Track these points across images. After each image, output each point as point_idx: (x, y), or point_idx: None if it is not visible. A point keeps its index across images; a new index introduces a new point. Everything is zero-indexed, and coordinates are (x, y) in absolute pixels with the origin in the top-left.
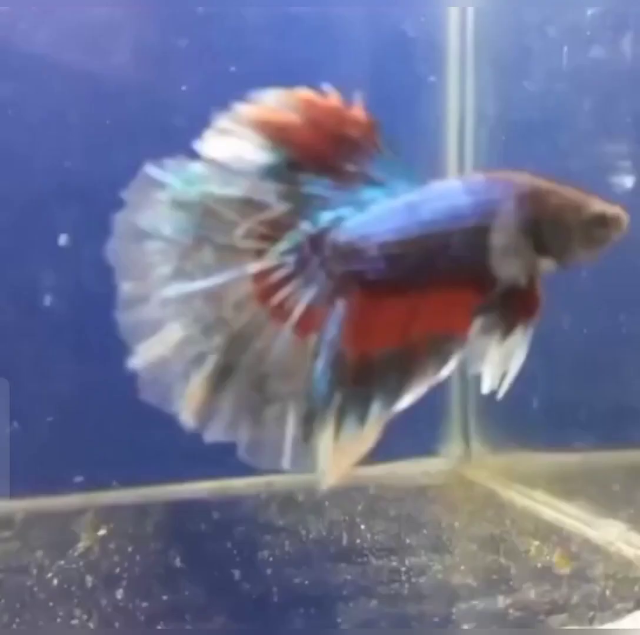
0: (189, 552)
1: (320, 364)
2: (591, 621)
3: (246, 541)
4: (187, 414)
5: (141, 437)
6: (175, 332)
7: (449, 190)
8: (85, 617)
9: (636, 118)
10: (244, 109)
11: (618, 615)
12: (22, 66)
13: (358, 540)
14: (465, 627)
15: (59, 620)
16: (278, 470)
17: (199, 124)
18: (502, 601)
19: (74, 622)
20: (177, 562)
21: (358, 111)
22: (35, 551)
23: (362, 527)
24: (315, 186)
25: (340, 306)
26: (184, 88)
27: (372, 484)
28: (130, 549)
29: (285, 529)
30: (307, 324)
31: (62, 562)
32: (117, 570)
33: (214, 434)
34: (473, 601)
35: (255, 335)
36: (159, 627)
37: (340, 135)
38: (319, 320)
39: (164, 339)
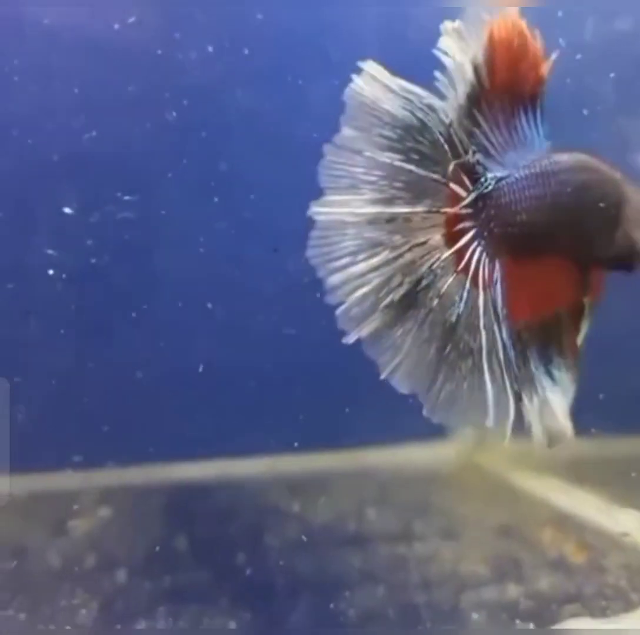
0: (192, 535)
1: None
2: (604, 611)
3: (251, 525)
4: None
5: (144, 417)
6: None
7: (578, 162)
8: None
9: None
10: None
11: (631, 605)
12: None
13: (365, 527)
14: (475, 616)
15: (61, 600)
16: (478, 427)
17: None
18: (513, 590)
19: (75, 602)
20: (180, 544)
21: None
22: (36, 530)
23: (370, 512)
24: (493, 136)
25: (498, 268)
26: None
27: (382, 469)
28: (131, 530)
29: (292, 514)
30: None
31: (62, 542)
32: (119, 551)
33: (390, 375)
34: (483, 590)
35: (439, 282)
36: (160, 609)
37: (528, 89)
38: (488, 278)
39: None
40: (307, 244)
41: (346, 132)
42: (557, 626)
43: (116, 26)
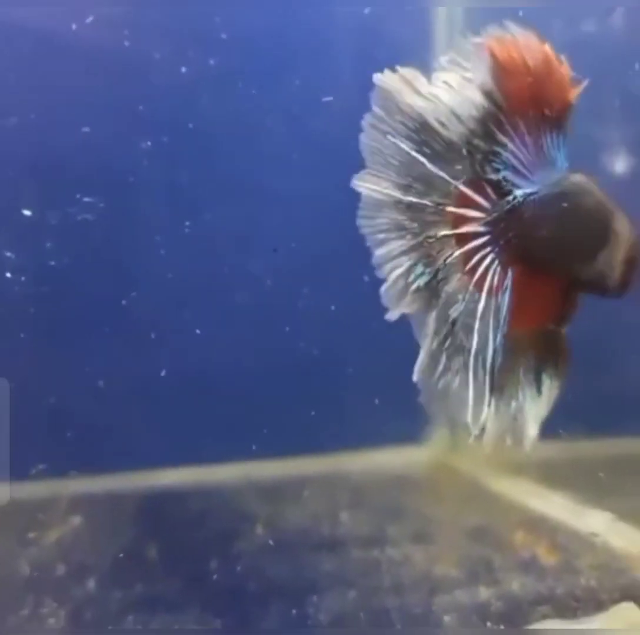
0: (164, 542)
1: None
2: (575, 613)
3: (223, 531)
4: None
5: (114, 424)
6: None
7: (581, 187)
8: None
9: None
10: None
11: (603, 606)
12: None
13: (338, 531)
14: (447, 618)
15: (28, 609)
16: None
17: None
18: (484, 592)
19: (44, 611)
20: (151, 551)
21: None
22: (5, 539)
23: (343, 517)
24: (521, 154)
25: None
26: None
27: (354, 473)
28: (103, 538)
29: (265, 519)
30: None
31: (33, 551)
32: (90, 559)
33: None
34: (455, 592)
35: (450, 278)
36: (130, 618)
37: (554, 111)
38: (497, 285)
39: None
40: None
41: (375, 110)
42: (528, 628)
43: (74, 26)
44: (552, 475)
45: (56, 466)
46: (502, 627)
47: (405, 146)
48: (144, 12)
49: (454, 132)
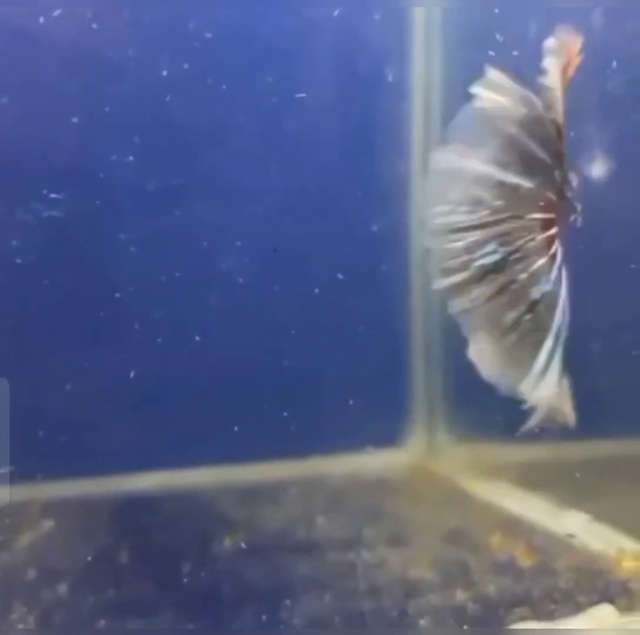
0: (137, 546)
1: None
2: (552, 614)
3: (198, 534)
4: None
5: (89, 427)
6: None
7: None
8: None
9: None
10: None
11: (580, 608)
12: None
13: (315, 534)
14: (422, 621)
15: None
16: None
17: None
18: (460, 595)
19: (13, 616)
20: (124, 556)
21: None
22: None
23: (320, 520)
24: None
25: None
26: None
27: (332, 477)
28: (75, 542)
29: (240, 523)
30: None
31: (5, 555)
32: (62, 564)
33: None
34: (430, 595)
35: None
36: (102, 622)
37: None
38: None
39: None
40: None
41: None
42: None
43: (41, 19)
44: (529, 477)
45: (27, 469)
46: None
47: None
48: (116, 8)
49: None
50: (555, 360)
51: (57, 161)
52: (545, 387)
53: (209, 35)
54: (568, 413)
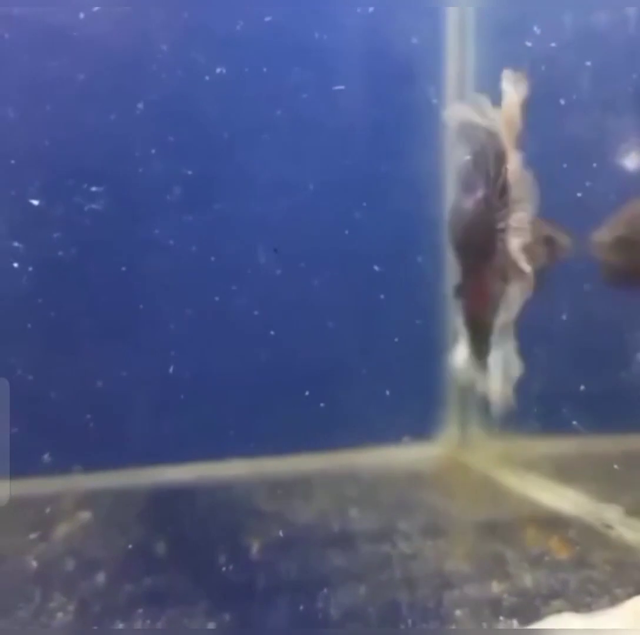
0: (173, 537)
1: None
2: (589, 607)
3: (232, 526)
4: None
5: (125, 419)
6: None
7: None
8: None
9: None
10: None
11: (616, 600)
12: None
13: (349, 526)
14: (458, 613)
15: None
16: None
17: None
18: (496, 587)
19: (52, 605)
20: (160, 546)
21: None
22: (16, 534)
23: (353, 512)
24: None
25: None
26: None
27: (365, 470)
28: (112, 533)
29: (274, 515)
30: None
31: (41, 546)
32: (99, 554)
33: None
34: (466, 587)
35: None
36: (140, 611)
37: None
38: None
39: None
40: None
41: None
42: (541, 622)
43: (81, 15)
44: (564, 471)
45: (64, 461)
46: (514, 621)
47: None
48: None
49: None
50: (501, 351)
51: (97, 155)
52: (491, 374)
53: (243, 30)
54: (506, 396)
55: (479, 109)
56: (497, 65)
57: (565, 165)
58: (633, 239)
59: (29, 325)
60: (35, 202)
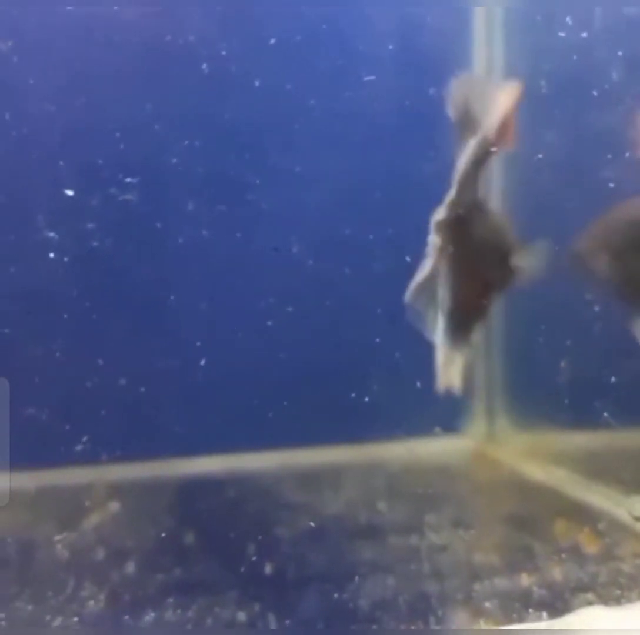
0: (202, 527)
1: None
2: (619, 600)
3: (261, 517)
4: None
5: (153, 410)
6: None
7: None
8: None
9: None
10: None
11: None
12: None
13: (377, 518)
14: (487, 605)
15: (68, 592)
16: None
17: None
18: (525, 580)
19: (84, 594)
20: (190, 536)
21: None
22: (46, 524)
23: (382, 504)
24: None
25: None
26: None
27: (392, 462)
28: (141, 524)
29: (302, 506)
30: None
31: (71, 536)
32: (128, 544)
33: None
34: (495, 579)
35: None
36: (169, 600)
37: None
38: None
39: None
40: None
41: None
42: (570, 615)
43: (116, 7)
44: (591, 464)
45: (93, 452)
46: (544, 614)
47: None
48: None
49: None
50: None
51: (131, 146)
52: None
53: (275, 27)
54: (454, 381)
55: (481, 90)
56: (526, 56)
57: (596, 156)
58: (615, 247)
59: (66, 316)
60: (70, 193)
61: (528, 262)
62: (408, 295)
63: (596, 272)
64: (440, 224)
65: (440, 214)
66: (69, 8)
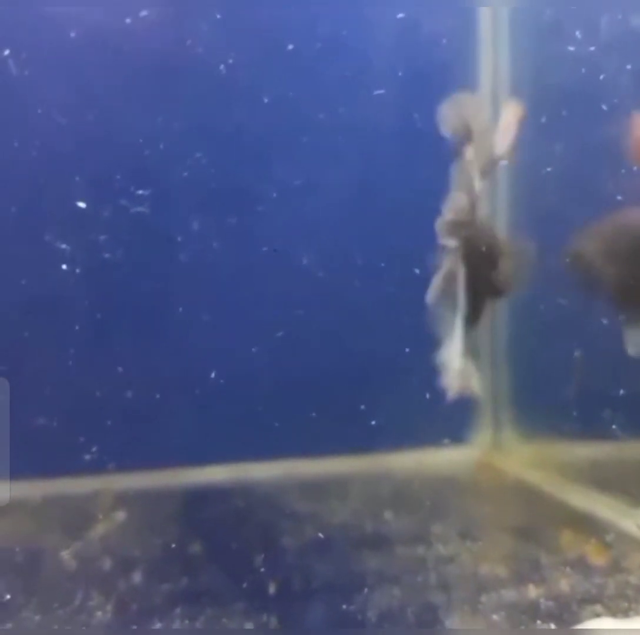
0: (209, 537)
1: None
2: (626, 612)
3: (267, 527)
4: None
5: (160, 420)
6: None
7: None
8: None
9: None
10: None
11: None
12: None
13: (383, 528)
14: (495, 617)
15: (76, 602)
16: None
17: None
18: (533, 591)
19: (91, 603)
20: (196, 546)
21: None
22: (53, 533)
23: (388, 515)
24: None
25: None
26: None
27: (399, 472)
28: (147, 533)
29: (308, 516)
30: None
31: (78, 545)
32: (135, 553)
33: None
34: (503, 591)
35: None
36: (177, 610)
37: None
38: None
39: None
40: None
41: None
42: (579, 626)
43: (128, 20)
44: (599, 476)
45: (100, 462)
46: (552, 625)
47: None
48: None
49: None
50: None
51: (143, 159)
52: (452, 364)
53: (282, 40)
54: (471, 387)
55: (474, 108)
56: (531, 70)
57: (604, 167)
58: (610, 253)
59: (77, 327)
60: (82, 205)
61: (522, 267)
62: (429, 298)
63: (590, 277)
64: (450, 225)
65: (448, 214)
66: (81, 19)
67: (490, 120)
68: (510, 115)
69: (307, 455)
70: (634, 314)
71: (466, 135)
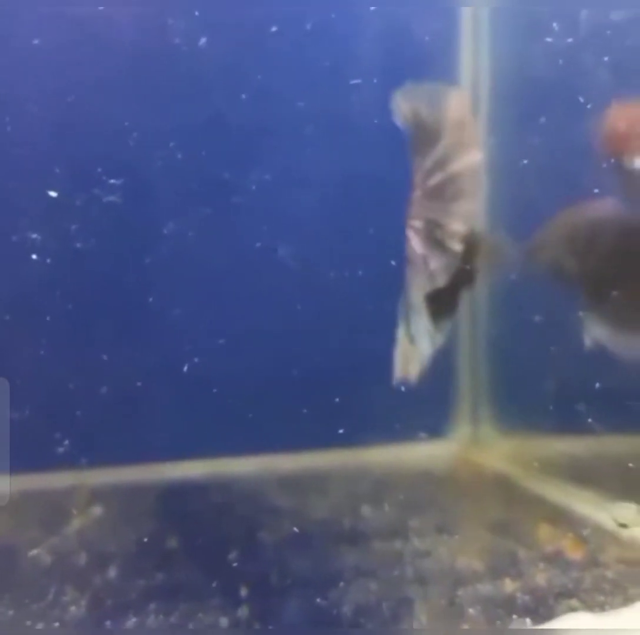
0: (185, 532)
1: None
2: (603, 606)
3: (244, 522)
4: None
5: (136, 415)
6: None
7: None
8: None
9: None
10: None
11: (630, 600)
12: None
13: (361, 523)
14: (471, 611)
15: (50, 597)
16: None
17: None
18: (509, 585)
19: (65, 599)
20: (172, 541)
21: None
22: (28, 529)
23: (366, 509)
24: None
25: None
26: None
27: (376, 467)
28: (123, 529)
29: (286, 511)
30: None
31: (53, 540)
32: (110, 549)
33: None
34: (479, 585)
35: None
36: (151, 605)
37: None
38: None
39: None
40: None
41: None
42: (555, 621)
43: (102, 9)
44: (577, 470)
45: (75, 456)
46: (528, 620)
47: None
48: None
49: None
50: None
51: (114, 149)
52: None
53: (261, 29)
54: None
55: (430, 99)
56: (512, 62)
57: (583, 162)
58: (572, 245)
59: (48, 318)
60: (54, 194)
61: (497, 260)
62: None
63: (551, 268)
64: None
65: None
66: (55, 9)
67: (445, 111)
68: (457, 105)
69: (284, 450)
70: (592, 305)
71: (418, 127)
